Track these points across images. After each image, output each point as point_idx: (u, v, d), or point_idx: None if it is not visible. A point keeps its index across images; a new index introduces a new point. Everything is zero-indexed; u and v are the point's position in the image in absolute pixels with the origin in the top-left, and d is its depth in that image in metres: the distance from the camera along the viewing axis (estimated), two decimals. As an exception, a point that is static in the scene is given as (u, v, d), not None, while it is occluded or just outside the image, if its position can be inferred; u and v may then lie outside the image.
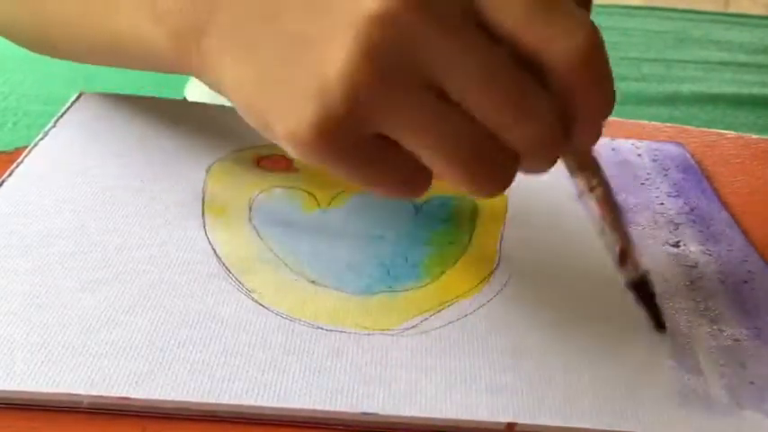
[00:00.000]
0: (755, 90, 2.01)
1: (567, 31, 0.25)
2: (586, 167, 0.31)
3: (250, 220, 0.38)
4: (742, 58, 2.21)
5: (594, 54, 0.26)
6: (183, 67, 0.31)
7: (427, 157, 0.26)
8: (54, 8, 0.38)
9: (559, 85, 0.26)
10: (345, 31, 0.25)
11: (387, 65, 0.25)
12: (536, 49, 0.25)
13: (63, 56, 0.42)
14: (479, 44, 0.25)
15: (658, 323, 0.32)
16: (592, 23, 0.26)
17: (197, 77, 0.31)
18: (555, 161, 0.28)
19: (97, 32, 0.36)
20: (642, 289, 0.32)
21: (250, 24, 0.28)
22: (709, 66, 2.14)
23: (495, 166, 0.27)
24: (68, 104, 0.46)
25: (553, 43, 0.25)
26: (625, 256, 0.31)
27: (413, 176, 0.28)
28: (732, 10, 2.66)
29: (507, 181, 0.27)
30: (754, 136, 0.53)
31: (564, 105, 0.27)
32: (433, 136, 0.26)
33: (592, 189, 0.31)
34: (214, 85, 0.30)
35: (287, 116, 0.26)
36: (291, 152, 0.27)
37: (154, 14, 0.31)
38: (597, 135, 0.29)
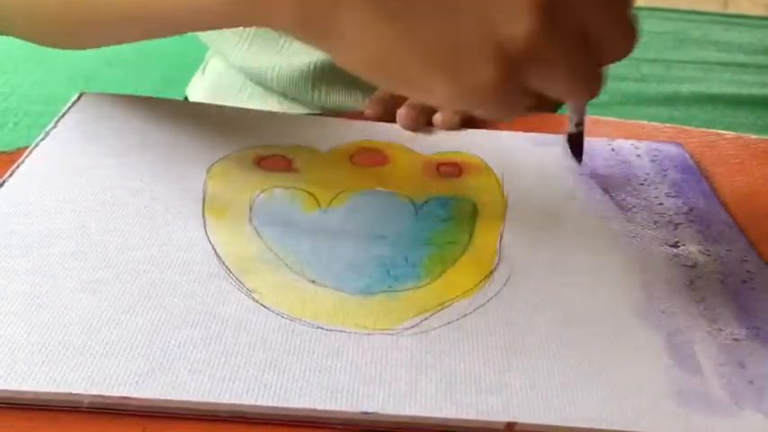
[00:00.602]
0: (755, 90, 2.01)
1: (624, 39, 0.33)
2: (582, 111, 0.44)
3: (250, 220, 0.38)
4: (741, 58, 2.21)
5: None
6: (248, 15, 0.33)
7: (562, 91, 0.32)
8: None
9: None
10: (523, 4, 0.29)
11: (555, 22, 0.29)
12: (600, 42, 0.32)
13: (83, 40, 0.42)
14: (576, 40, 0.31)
15: (579, 158, 0.45)
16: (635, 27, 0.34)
17: (288, 31, 0.32)
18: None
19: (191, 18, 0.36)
20: (580, 139, 0.45)
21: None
22: (709, 66, 2.14)
23: (596, 79, 0.33)
24: (69, 105, 0.46)
25: (615, 46, 0.33)
26: (582, 121, 0.44)
27: (534, 108, 0.33)
28: (731, 11, 2.66)
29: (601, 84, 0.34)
30: (754, 136, 0.53)
31: None
32: (572, 68, 0.31)
33: (578, 125, 0.44)
34: (311, 37, 0.32)
35: (457, 75, 0.30)
36: (455, 106, 0.34)
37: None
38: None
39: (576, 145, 0.46)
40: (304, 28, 0.31)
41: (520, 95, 0.31)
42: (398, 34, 0.30)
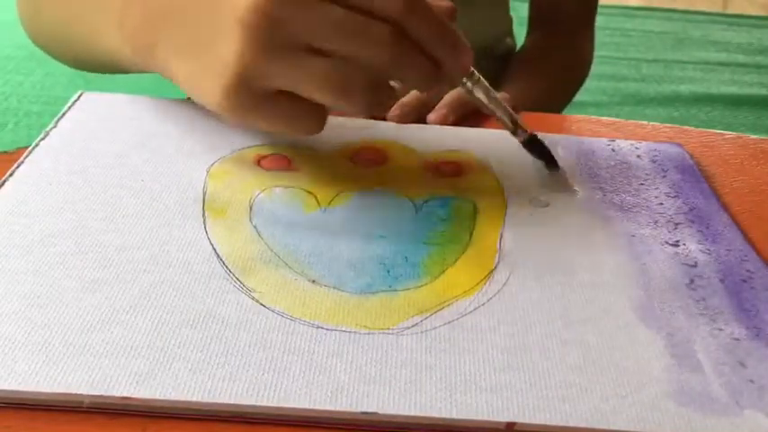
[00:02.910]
0: (754, 90, 2.02)
1: None
2: (466, 73, 0.41)
3: (251, 219, 0.38)
4: (741, 58, 2.21)
5: (412, 5, 0.36)
6: (149, 70, 0.41)
7: (317, 96, 0.36)
8: (70, 30, 0.49)
9: (394, 22, 0.36)
10: (231, 25, 0.35)
11: (263, 43, 0.34)
12: (373, 8, 0.35)
13: (75, 64, 0.54)
14: (326, 8, 0.35)
15: (554, 164, 0.44)
16: None
17: (163, 76, 0.40)
18: (426, 77, 0.38)
19: (94, 51, 0.46)
20: (535, 142, 0.44)
21: (175, 31, 0.38)
22: (709, 66, 2.14)
23: (368, 90, 0.36)
24: (69, 105, 0.46)
25: (384, 4, 0.35)
26: (516, 123, 0.43)
27: (305, 114, 0.37)
28: (730, 11, 2.66)
29: (381, 100, 0.37)
30: (753, 136, 0.53)
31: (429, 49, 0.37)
32: (315, 81, 0.35)
33: (475, 83, 0.41)
34: (174, 83, 0.39)
35: (209, 93, 0.36)
36: (220, 115, 0.37)
37: (122, 37, 0.42)
38: (456, 54, 0.38)
39: (537, 152, 0.44)
40: (163, 75, 0.40)
41: (280, 101, 0.36)
42: (185, 64, 0.38)
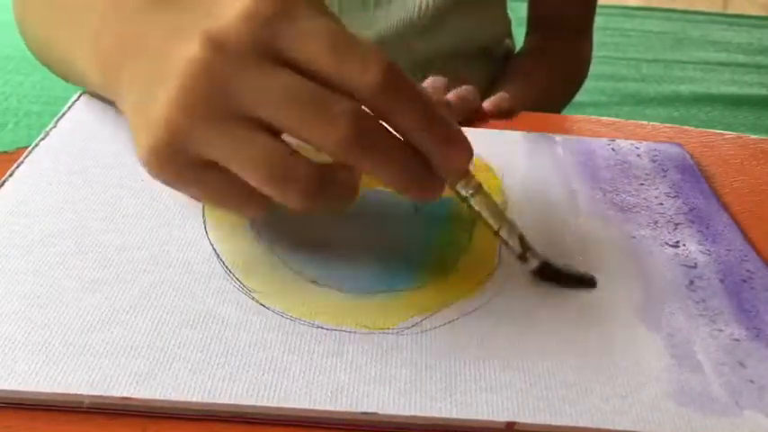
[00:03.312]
0: (754, 90, 2.02)
1: (364, 65, 0.29)
2: (462, 176, 0.33)
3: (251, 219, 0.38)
4: (740, 58, 2.21)
5: (392, 80, 0.30)
6: (112, 99, 0.36)
7: (240, 173, 0.30)
8: (48, 31, 0.46)
9: (372, 107, 0.30)
10: (167, 78, 0.30)
11: (197, 106, 0.29)
12: (339, 81, 0.29)
13: (56, 73, 0.49)
14: (278, 74, 0.29)
15: (585, 281, 0.35)
16: (385, 56, 0.30)
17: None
18: (404, 175, 0.31)
19: (67, 62, 0.42)
20: (550, 270, 0.35)
21: (134, 67, 0.33)
22: (708, 66, 2.14)
23: (299, 178, 0.30)
24: (69, 104, 0.46)
25: (354, 75, 0.29)
26: (526, 247, 0.35)
27: (236, 192, 0.31)
28: (730, 11, 2.66)
29: (309, 192, 0.30)
30: (753, 136, 0.53)
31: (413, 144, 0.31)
32: (243, 156, 0.30)
33: (474, 194, 0.33)
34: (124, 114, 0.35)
35: (137, 147, 0.32)
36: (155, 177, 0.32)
37: (95, 55, 0.37)
38: (456, 156, 0.31)
39: (555, 278, 0.35)
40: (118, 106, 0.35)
41: (208, 172, 0.31)
42: (129, 102, 0.33)
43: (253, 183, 0.30)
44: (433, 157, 0.31)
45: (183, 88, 0.29)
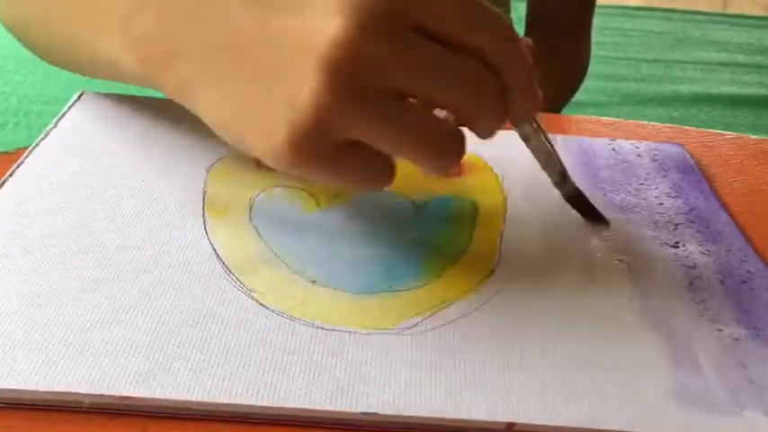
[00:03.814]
0: (754, 90, 2.01)
1: (493, 31, 0.31)
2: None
3: (251, 219, 0.38)
4: (741, 58, 2.21)
5: (512, 45, 0.32)
6: (154, 87, 0.35)
7: (390, 149, 0.31)
8: (56, 28, 0.42)
9: (491, 62, 0.31)
10: (309, 60, 0.29)
11: (346, 85, 0.29)
12: (470, 40, 0.31)
13: (68, 69, 0.45)
14: (420, 46, 0.30)
15: (601, 219, 0.40)
16: (507, 20, 0.32)
17: (169, 96, 0.34)
18: (501, 124, 0.33)
19: (85, 53, 0.39)
20: (580, 197, 0.40)
21: (215, 54, 0.32)
22: (709, 66, 2.14)
23: (448, 144, 0.31)
24: (69, 104, 0.46)
25: (482, 31, 0.31)
26: (565, 175, 0.39)
27: (378, 169, 0.32)
28: (730, 10, 2.66)
29: (461, 154, 0.32)
30: (753, 136, 0.53)
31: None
32: (394, 133, 0.30)
33: (536, 131, 0.37)
34: (187, 105, 0.33)
35: (264, 137, 0.30)
36: (270, 165, 0.31)
37: (126, 42, 0.35)
38: (532, 103, 0.34)
39: (582, 205, 0.40)
40: (174, 95, 0.34)
41: (346, 153, 0.30)
42: (222, 92, 0.32)
43: (404, 152, 0.31)
44: (519, 106, 0.33)
45: (330, 70, 0.28)
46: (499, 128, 0.33)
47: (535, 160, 0.38)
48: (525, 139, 0.37)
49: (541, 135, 0.37)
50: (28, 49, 0.47)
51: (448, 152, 0.31)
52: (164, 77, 0.33)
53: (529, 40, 0.34)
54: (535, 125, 0.37)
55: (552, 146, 0.38)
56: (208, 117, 0.33)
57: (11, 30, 0.47)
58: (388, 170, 0.32)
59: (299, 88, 0.29)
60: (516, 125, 0.36)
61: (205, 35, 0.32)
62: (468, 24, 0.30)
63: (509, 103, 0.32)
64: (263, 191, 0.40)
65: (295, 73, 0.29)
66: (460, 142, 0.31)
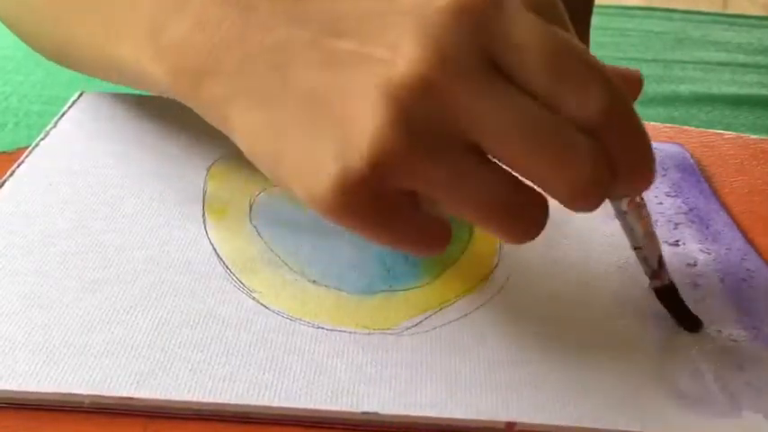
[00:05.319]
0: (754, 90, 2.01)
1: (585, 86, 0.25)
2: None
3: (251, 219, 0.38)
4: (741, 58, 2.20)
5: (615, 108, 0.25)
6: (184, 101, 0.31)
7: (457, 210, 0.26)
8: (67, 28, 0.38)
9: (595, 130, 0.26)
10: (373, 93, 0.24)
11: (417, 130, 0.24)
12: (558, 101, 0.25)
13: (78, 71, 0.42)
14: (509, 95, 0.25)
15: (693, 321, 0.34)
16: (606, 74, 0.25)
17: (200, 114, 0.31)
18: (602, 201, 0.27)
19: (100, 57, 0.35)
20: (673, 295, 0.34)
21: (260, 71, 0.27)
22: (709, 66, 2.14)
23: (527, 215, 0.26)
24: (69, 104, 0.46)
25: (574, 95, 0.25)
26: (662, 263, 0.33)
27: (435, 232, 0.27)
28: (730, 10, 2.66)
29: (540, 228, 0.27)
30: (753, 136, 0.53)
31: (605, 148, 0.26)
32: (465, 192, 0.25)
33: (637, 206, 0.31)
34: (219, 126, 0.30)
35: (305, 175, 0.26)
36: (308, 206, 0.26)
37: (155, 49, 0.30)
38: (646, 182, 0.28)
39: (671, 302, 0.34)
40: (206, 113, 0.30)
41: (400, 208, 0.26)
42: (263, 115, 0.27)
43: (472, 216, 0.26)
44: (626, 178, 0.27)
45: (397, 106, 0.24)
46: (597, 206, 0.27)
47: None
48: (621, 214, 0.31)
49: (642, 211, 0.31)
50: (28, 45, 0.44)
51: (528, 220, 0.26)
52: (196, 93, 0.29)
53: (637, 71, 0.29)
54: (639, 199, 0.31)
55: (653, 232, 0.32)
56: (243, 141, 0.29)
57: (6, 24, 0.44)
58: (445, 233, 0.28)
59: (358, 124, 0.24)
60: (615, 199, 0.31)
61: (251, 51, 0.28)
62: (569, 79, 0.25)
63: (613, 177, 0.26)
64: (264, 190, 0.40)
65: (355, 106, 0.25)
66: (544, 209, 0.26)
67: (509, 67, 0.25)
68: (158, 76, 0.30)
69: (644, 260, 0.33)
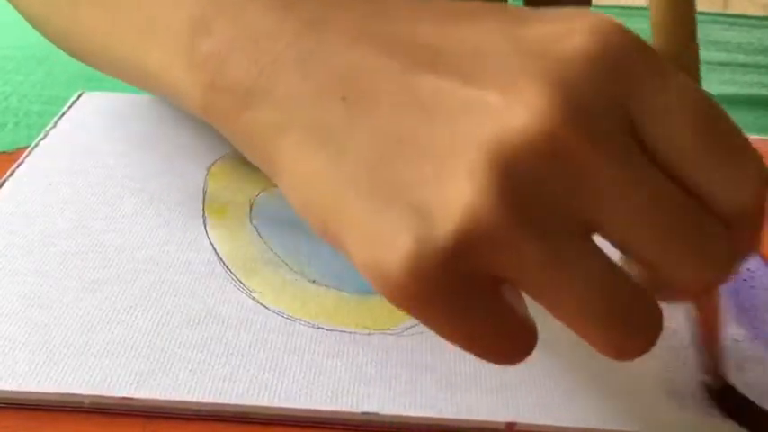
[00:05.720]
0: (754, 90, 2.01)
1: (739, 177, 0.21)
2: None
3: (251, 219, 0.38)
4: (741, 58, 2.20)
5: (760, 205, 0.21)
6: (218, 127, 0.25)
7: (552, 306, 0.21)
8: (86, 24, 0.32)
9: (727, 219, 0.21)
10: (474, 150, 0.19)
11: (522, 203, 0.19)
12: (701, 190, 0.21)
13: (96, 68, 0.36)
14: (645, 169, 0.20)
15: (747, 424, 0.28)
16: (763, 165, 0.21)
17: (236, 146, 0.25)
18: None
19: (126, 60, 0.29)
20: (725, 393, 0.29)
21: (325, 102, 0.22)
22: (709, 66, 2.13)
23: (640, 317, 0.21)
24: (69, 104, 0.46)
25: (722, 188, 0.21)
26: (718, 362, 0.29)
27: (517, 331, 0.22)
28: (730, 10, 2.66)
29: (658, 333, 0.21)
30: (753, 136, 0.53)
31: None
32: (567, 286, 0.20)
33: (717, 293, 0.27)
34: (260, 162, 0.24)
35: (371, 243, 0.20)
36: (369, 280, 0.21)
37: (190, 59, 0.25)
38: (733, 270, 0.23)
39: (726, 402, 0.29)
40: (242, 142, 0.25)
41: (481, 297, 0.21)
42: (322, 157, 0.22)
43: (571, 321, 0.21)
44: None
45: (501, 170, 0.19)
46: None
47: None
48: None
49: (718, 299, 0.28)
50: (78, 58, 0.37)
51: (639, 328, 0.21)
52: (236, 116, 0.23)
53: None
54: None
55: (718, 329, 0.29)
56: (291, 185, 0.23)
57: (33, 23, 0.39)
58: (529, 336, 0.22)
59: (449, 188, 0.19)
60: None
61: (317, 75, 0.22)
62: (723, 164, 0.20)
63: None
64: (264, 190, 0.40)
65: (447, 163, 0.19)
66: (658, 317, 0.21)
67: (651, 136, 0.20)
68: (190, 90, 0.25)
69: (705, 351, 0.28)
